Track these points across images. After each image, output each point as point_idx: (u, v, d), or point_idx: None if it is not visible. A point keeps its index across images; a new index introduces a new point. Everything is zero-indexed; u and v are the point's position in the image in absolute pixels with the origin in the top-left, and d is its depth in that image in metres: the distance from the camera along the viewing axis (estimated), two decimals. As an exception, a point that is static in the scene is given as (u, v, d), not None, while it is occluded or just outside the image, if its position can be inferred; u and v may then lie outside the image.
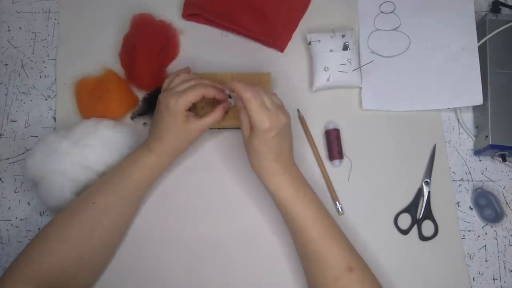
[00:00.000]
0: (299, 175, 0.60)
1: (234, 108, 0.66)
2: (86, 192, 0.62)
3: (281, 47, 0.75)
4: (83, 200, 0.61)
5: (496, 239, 0.67)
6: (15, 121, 0.75)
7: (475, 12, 0.73)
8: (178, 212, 0.68)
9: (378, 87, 0.73)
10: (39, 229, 0.69)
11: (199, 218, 0.67)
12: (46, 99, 0.76)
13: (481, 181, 0.70)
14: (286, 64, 0.75)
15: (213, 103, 0.66)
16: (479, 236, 0.67)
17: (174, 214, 0.68)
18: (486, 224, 0.68)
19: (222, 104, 0.64)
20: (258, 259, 0.65)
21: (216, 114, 0.63)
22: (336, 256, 0.56)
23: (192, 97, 0.60)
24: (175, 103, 0.60)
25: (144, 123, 0.71)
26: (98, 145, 0.65)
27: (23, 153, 0.73)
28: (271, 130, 0.55)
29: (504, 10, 0.75)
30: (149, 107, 0.69)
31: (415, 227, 0.67)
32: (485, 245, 0.67)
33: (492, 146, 0.66)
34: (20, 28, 0.80)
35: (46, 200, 0.65)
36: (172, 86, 0.63)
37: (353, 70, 0.71)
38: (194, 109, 0.66)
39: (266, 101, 0.57)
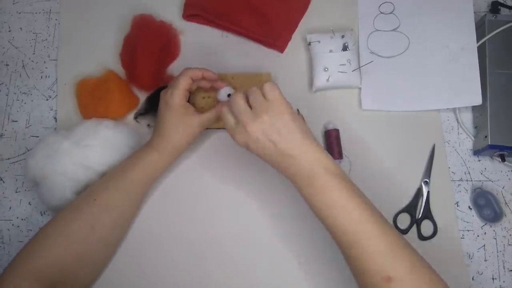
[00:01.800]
0: (326, 162, 0.53)
1: None
2: (88, 189, 0.63)
3: (281, 48, 0.76)
4: (85, 198, 0.62)
5: (495, 238, 0.67)
6: (16, 121, 0.75)
7: (474, 12, 0.73)
8: (179, 212, 0.68)
9: (378, 87, 0.73)
10: (40, 228, 0.69)
11: (199, 218, 0.68)
12: (47, 99, 0.76)
13: (480, 181, 0.70)
14: (286, 64, 0.75)
15: (213, 104, 0.67)
16: (478, 236, 0.67)
17: (175, 214, 0.68)
18: (485, 224, 0.68)
19: (224, 102, 0.64)
20: (258, 258, 0.65)
21: (218, 111, 0.64)
22: (375, 263, 0.49)
23: (182, 83, 0.61)
24: (171, 95, 0.62)
25: (148, 125, 0.71)
26: (99, 145, 0.65)
27: (24, 153, 0.73)
28: (247, 146, 0.54)
29: (503, 11, 0.75)
30: (150, 106, 0.70)
31: (414, 227, 0.67)
32: (484, 245, 0.67)
33: (491, 146, 0.66)
34: (21, 28, 0.80)
35: (47, 200, 0.65)
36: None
37: (352, 71, 0.71)
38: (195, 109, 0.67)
39: (238, 113, 0.54)
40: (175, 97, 0.61)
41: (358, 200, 0.52)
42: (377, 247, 0.50)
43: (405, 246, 0.51)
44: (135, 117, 0.71)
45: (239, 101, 0.55)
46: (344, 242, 0.51)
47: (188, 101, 0.65)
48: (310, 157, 0.52)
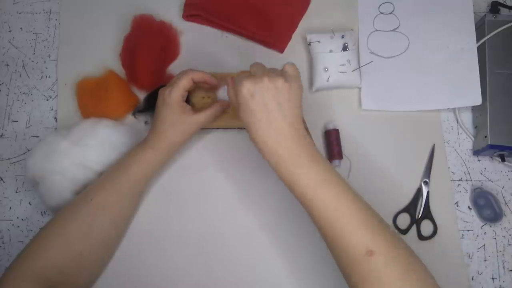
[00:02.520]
0: (311, 153, 0.53)
1: (232, 108, 0.67)
2: (85, 190, 0.63)
3: (281, 48, 0.76)
4: (83, 197, 0.62)
5: (495, 238, 0.67)
6: (16, 121, 0.75)
7: (474, 12, 0.73)
8: (178, 212, 0.68)
9: (378, 87, 0.73)
10: (40, 229, 0.69)
11: (200, 217, 0.68)
12: (47, 100, 0.76)
13: (480, 181, 0.70)
14: (286, 65, 0.75)
15: (212, 104, 0.67)
16: (478, 236, 0.67)
17: (174, 213, 0.68)
18: (485, 224, 0.68)
19: (220, 101, 0.65)
20: (258, 257, 0.66)
21: (213, 110, 0.64)
22: (356, 238, 0.49)
23: (182, 83, 0.62)
24: (169, 93, 0.62)
25: (146, 122, 0.72)
26: (97, 145, 0.65)
27: (24, 153, 0.73)
28: (251, 94, 0.52)
29: (503, 11, 0.75)
30: (149, 104, 0.70)
31: (414, 227, 0.67)
32: (484, 245, 0.67)
33: (491, 146, 0.66)
34: (21, 28, 0.80)
35: (47, 199, 0.65)
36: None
37: (352, 71, 0.72)
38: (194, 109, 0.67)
39: (259, 69, 0.56)
40: (174, 95, 0.62)
41: (337, 176, 0.53)
42: (359, 222, 0.50)
43: (382, 222, 0.52)
44: (134, 114, 0.71)
45: (262, 65, 0.57)
46: (327, 219, 0.51)
47: (188, 101, 0.65)
48: (298, 134, 0.53)
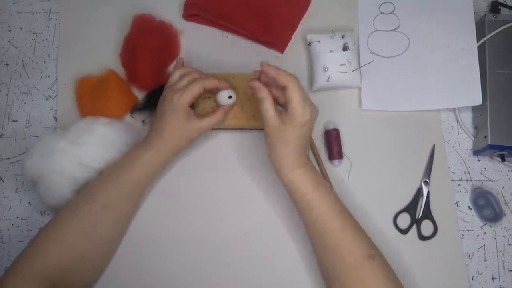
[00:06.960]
0: (315, 169, 0.61)
1: (235, 108, 0.67)
2: (86, 189, 0.63)
3: (281, 48, 0.76)
4: (84, 197, 0.62)
5: (495, 238, 0.67)
6: (16, 121, 0.75)
7: (474, 12, 0.73)
8: (179, 213, 0.68)
9: (378, 87, 0.73)
10: (40, 228, 0.69)
11: (200, 218, 0.68)
12: (47, 99, 0.76)
13: (480, 181, 0.70)
14: (286, 65, 0.75)
15: (214, 106, 0.67)
16: (478, 236, 0.67)
17: (175, 214, 0.68)
18: (485, 224, 0.68)
19: (223, 107, 0.64)
20: (259, 258, 0.66)
21: (217, 117, 0.64)
22: (357, 244, 0.56)
23: (195, 90, 0.61)
24: (179, 98, 0.61)
25: (143, 121, 0.72)
26: (94, 143, 0.65)
27: (24, 153, 0.73)
28: (308, 123, 0.57)
29: (503, 11, 0.75)
30: (150, 103, 0.70)
31: (414, 227, 0.67)
32: (484, 245, 0.67)
33: (491, 146, 0.67)
34: (21, 28, 0.80)
35: (46, 199, 0.65)
36: (173, 81, 0.64)
37: (353, 71, 0.71)
38: (196, 109, 0.67)
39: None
40: (183, 101, 0.61)
41: (333, 190, 0.61)
42: (361, 230, 0.58)
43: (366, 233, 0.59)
44: (132, 112, 0.71)
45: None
46: (333, 229, 0.57)
47: None
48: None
